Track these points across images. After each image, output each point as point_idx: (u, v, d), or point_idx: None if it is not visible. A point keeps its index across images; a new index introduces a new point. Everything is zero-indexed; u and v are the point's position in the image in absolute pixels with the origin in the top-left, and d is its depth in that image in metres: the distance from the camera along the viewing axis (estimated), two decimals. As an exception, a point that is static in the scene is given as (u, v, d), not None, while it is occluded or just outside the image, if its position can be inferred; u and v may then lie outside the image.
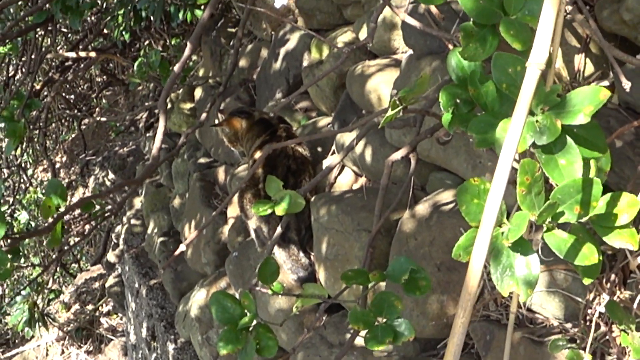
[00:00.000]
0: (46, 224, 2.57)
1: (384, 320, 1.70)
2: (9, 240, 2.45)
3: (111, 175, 6.86)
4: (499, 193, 1.15)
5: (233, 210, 3.85)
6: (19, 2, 4.85)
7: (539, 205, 1.30)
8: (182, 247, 2.09)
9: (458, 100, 1.54)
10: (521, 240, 1.31)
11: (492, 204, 1.15)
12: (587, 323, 1.95)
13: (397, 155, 2.18)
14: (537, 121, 1.28)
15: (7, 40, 5.32)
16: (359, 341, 1.96)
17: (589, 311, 1.95)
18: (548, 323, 2.07)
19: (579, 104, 1.28)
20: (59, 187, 2.54)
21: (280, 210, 2.02)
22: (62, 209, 2.58)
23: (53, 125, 9.02)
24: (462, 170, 2.47)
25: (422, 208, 2.47)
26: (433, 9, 2.54)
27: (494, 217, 1.15)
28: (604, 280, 1.91)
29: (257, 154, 3.28)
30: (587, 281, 1.39)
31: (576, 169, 1.29)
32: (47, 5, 4.64)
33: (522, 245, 1.33)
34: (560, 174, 1.30)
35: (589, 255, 1.30)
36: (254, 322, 1.79)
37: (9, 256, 2.55)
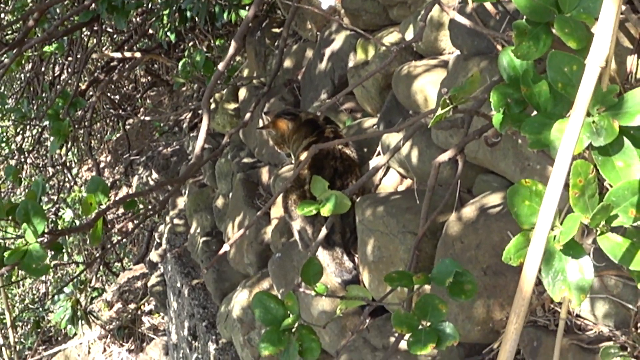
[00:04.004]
0: (87, 221, 2.58)
1: (428, 323, 1.67)
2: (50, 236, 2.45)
3: (155, 175, 6.89)
4: (555, 196, 1.11)
5: (276, 211, 3.83)
6: (65, 2, 4.88)
7: (593, 208, 1.26)
8: (225, 247, 2.07)
9: (509, 100, 1.51)
10: (573, 243, 1.28)
11: (548, 207, 1.12)
12: (639, 331, 1.90)
13: (445, 157, 2.15)
14: (593, 122, 1.25)
15: (53, 40, 5.35)
16: (403, 345, 1.93)
17: (641, 318, 1.90)
18: (597, 330, 2.02)
19: (636, 105, 1.25)
20: (100, 184, 2.54)
21: (325, 210, 1.99)
22: (103, 206, 2.58)
23: (98, 124, 9.10)
24: (510, 172, 2.43)
25: (469, 211, 2.44)
26: (488, 6, 2.51)
27: (549, 221, 1.11)
28: (657, 287, 1.87)
29: (304, 155, 3.25)
30: (642, 286, 1.35)
31: (634, 171, 1.25)
32: (93, 5, 4.66)
33: (574, 248, 1.29)
34: (618, 176, 1.26)
35: (644, 260, 1.26)
36: (297, 323, 1.77)
37: (51, 252, 2.56)
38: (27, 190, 7.93)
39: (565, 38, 1.40)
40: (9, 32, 6.43)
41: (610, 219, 1.27)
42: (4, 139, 7.88)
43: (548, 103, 1.41)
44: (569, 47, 1.40)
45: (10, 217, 2.26)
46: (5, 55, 4.69)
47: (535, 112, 1.44)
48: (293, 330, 1.77)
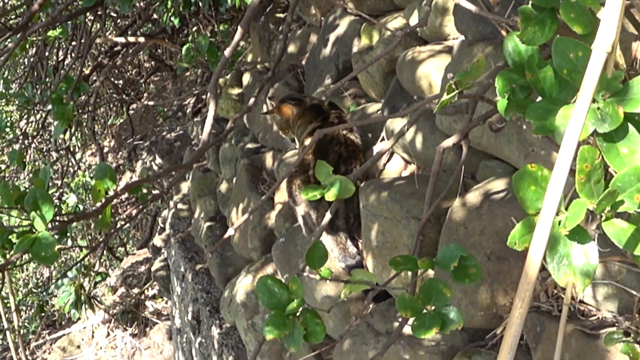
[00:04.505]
0: (94, 208, 2.58)
1: (433, 307, 1.68)
2: (57, 223, 2.45)
3: (158, 160, 6.90)
4: (560, 181, 1.12)
5: (280, 196, 3.84)
6: (70, -14, 4.88)
7: (598, 194, 1.27)
8: (230, 231, 2.08)
9: (514, 86, 1.51)
10: (579, 228, 1.28)
11: (554, 191, 1.12)
12: (642, 316, 1.91)
13: (449, 142, 2.15)
14: (598, 108, 1.25)
15: (57, 24, 5.35)
16: (406, 330, 1.94)
17: (644, 304, 1.91)
18: (601, 316, 2.03)
19: (642, 92, 1.25)
20: (108, 171, 2.54)
21: (330, 195, 2.00)
22: (111, 193, 2.58)
23: (101, 109, 9.11)
24: (514, 158, 2.43)
25: (473, 196, 2.44)
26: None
27: (555, 206, 1.12)
28: (661, 273, 1.87)
29: (308, 141, 3.25)
30: (646, 272, 1.35)
31: (638, 157, 1.26)
32: (97, -11, 4.66)
33: (579, 234, 1.30)
34: (622, 162, 1.26)
35: (649, 245, 1.26)
36: (302, 307, 1.78)
37: (56, 237, 2.56)
38: (31, 174, 7.95)
39: (570, 23, 1.40)
40: (13, 16, 6.42)
41: (615, 204, 1.27)
42: (8, 124, 7.87)
43: (553, 89, 1.41)
44: (574, 33, 1.40)
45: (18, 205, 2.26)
46: (9, 40, 4.69)
47: (540, 98, 1.44)
48: (297, 314, 1.78)
